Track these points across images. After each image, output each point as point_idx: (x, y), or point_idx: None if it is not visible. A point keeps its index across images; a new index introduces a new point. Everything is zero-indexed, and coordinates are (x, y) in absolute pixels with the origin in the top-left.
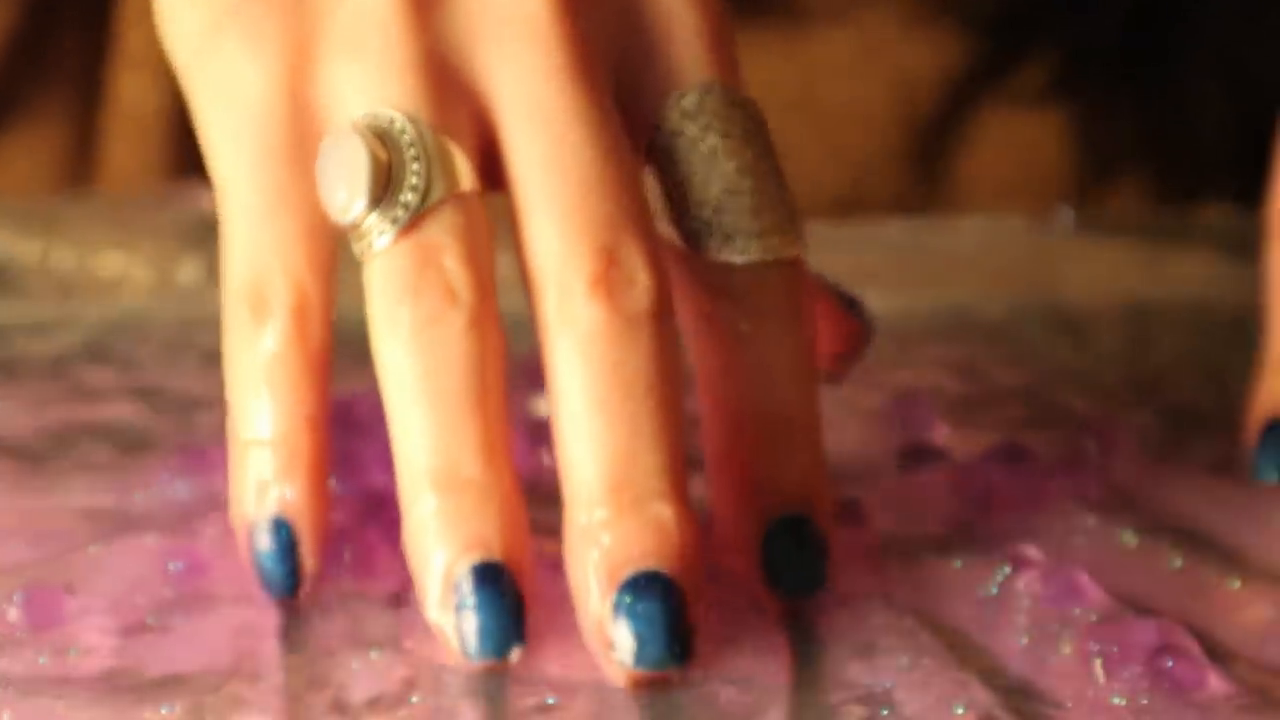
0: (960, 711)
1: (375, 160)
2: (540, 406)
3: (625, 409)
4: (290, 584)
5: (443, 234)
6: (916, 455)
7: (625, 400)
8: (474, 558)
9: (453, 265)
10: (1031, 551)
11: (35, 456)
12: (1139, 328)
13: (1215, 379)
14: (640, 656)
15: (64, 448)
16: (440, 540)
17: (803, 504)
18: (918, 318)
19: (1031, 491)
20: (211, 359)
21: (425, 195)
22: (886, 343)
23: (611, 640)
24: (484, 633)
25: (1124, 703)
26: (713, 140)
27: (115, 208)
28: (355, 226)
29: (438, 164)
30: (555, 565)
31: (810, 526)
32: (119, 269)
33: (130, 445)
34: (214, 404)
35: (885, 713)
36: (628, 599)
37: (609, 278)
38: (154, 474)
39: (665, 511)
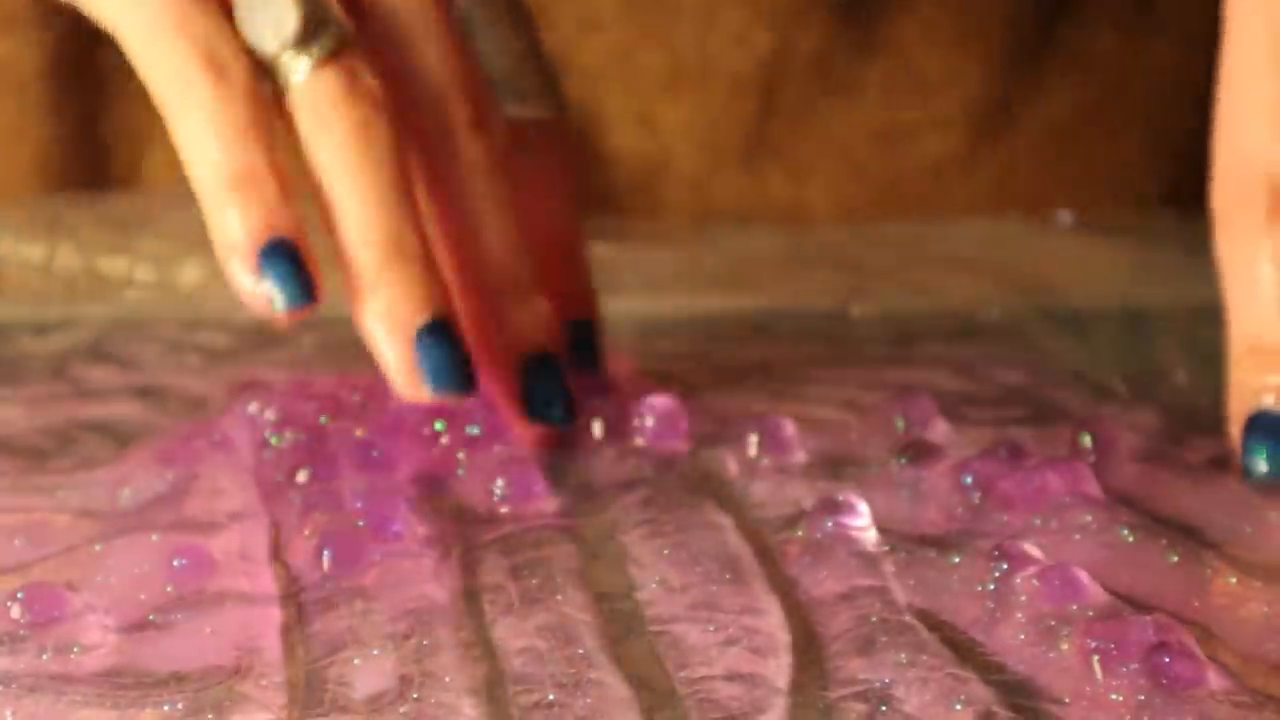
0: (959, 708)
1: (300, 6)
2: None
3: (505, 220)
4: (309, 296)
5: (358, 61)
6: (916, 453)
7: (504, 214)
8: (428, 315)
9: (373, 83)
10: (1030, 549)
11: (38, 455)
12: (1137, 327)
13: (1212, 378)
14: (550, 417)
15: (66, 446)
16: (403, 304)
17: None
18: (918, 318)
19: (1030, 489)
20: (213, 359)
21: (340, 37)
22: (887, 343)
23: (525, 406)
24: (441, 372)
25: (1122, 699)
26: (493, 16)
27: (119, 210)
28: (278, 60)
29: (339, 15)
30: None
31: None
32: (122, 271)
33: (132, 444)
34: (216, 403)
35: (884, 709)
36: (528, 375)
37: (483, 121)
38: (141, 469)
39: (541, 304)
